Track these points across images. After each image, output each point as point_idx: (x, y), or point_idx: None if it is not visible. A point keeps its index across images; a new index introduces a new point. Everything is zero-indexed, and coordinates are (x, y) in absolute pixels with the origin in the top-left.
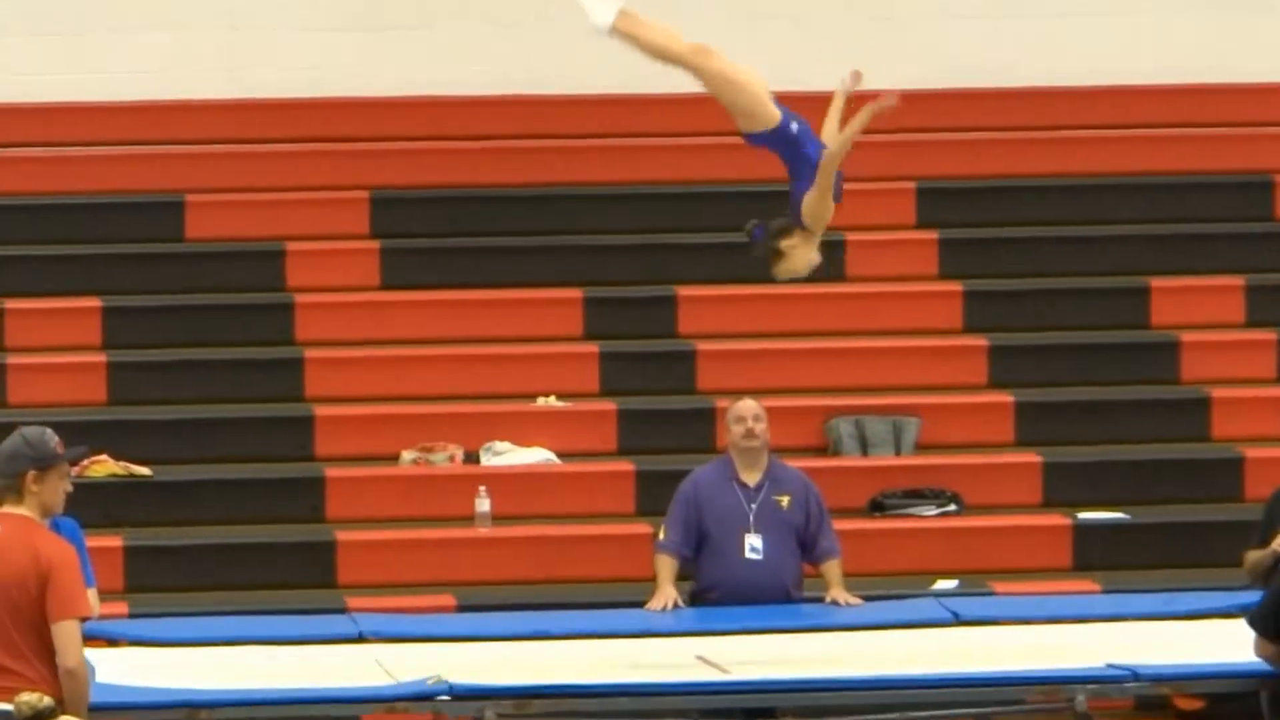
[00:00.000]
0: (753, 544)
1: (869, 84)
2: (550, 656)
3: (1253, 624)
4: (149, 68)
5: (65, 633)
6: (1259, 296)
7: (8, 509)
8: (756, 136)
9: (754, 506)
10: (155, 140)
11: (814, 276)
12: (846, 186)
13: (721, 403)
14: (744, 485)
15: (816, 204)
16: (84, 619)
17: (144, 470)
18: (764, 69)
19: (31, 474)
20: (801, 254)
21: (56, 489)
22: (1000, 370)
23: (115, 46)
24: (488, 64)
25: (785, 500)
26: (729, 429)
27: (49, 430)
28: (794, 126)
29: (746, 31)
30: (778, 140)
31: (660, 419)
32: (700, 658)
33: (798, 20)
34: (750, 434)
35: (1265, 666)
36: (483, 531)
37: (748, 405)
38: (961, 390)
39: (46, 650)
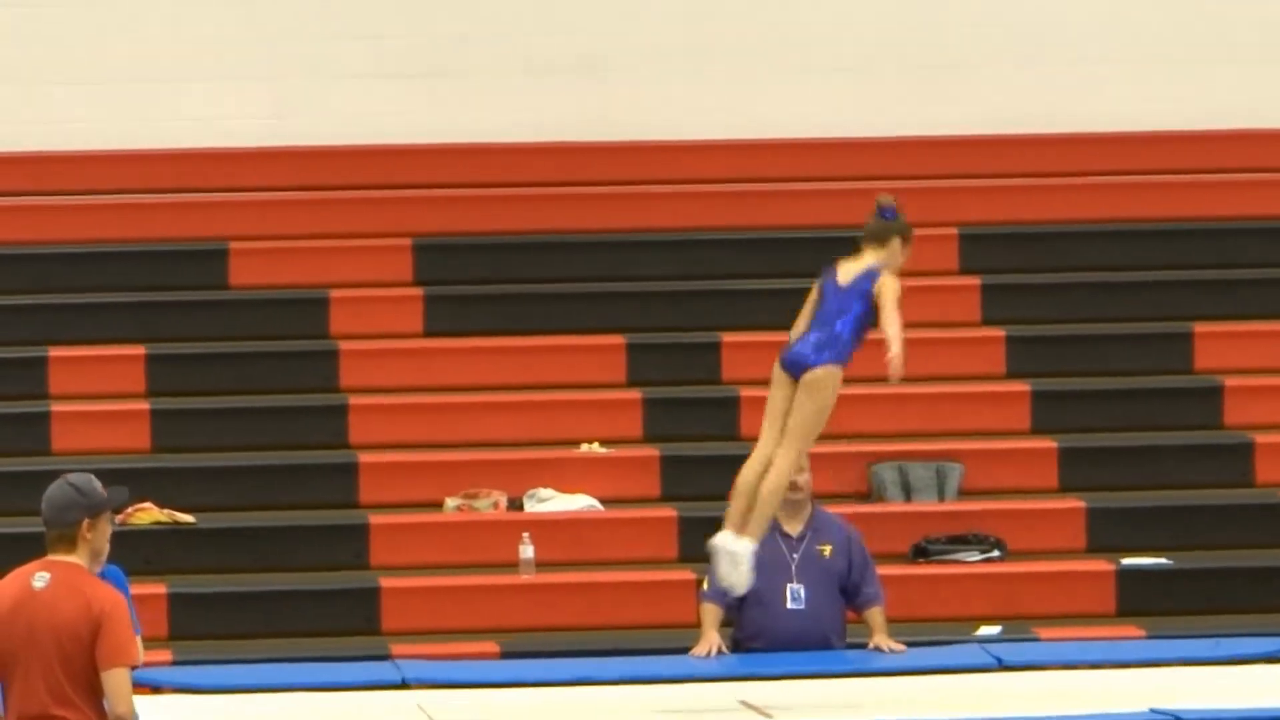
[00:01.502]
0: (795, 593)
1: (913, 130)
2: (594, 702)
3: None
4: (193, 115)
5: (116, 680)
6: None
7: (58, 557)
8: None
9: (796, 556)
10: (199, 188)
11: None
12: None
13: None
14: (786, 535)
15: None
16: (134, 667)
17: (188, 518)
18: (807, 118)
19: (85, 522)
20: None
21: (106, 534)
22: (1043, 416)
23: (160, 94)
24: (530, 111)
25: (828, 549)
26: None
27: (93, 475)
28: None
29: (792, 81)
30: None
31: (703, 465)
32: (744, 702)
33: (842, 69)
34: (795, 487)
35: None
36: (526, 578)
37: None
38: (1004, 436)
39: (96, 698)
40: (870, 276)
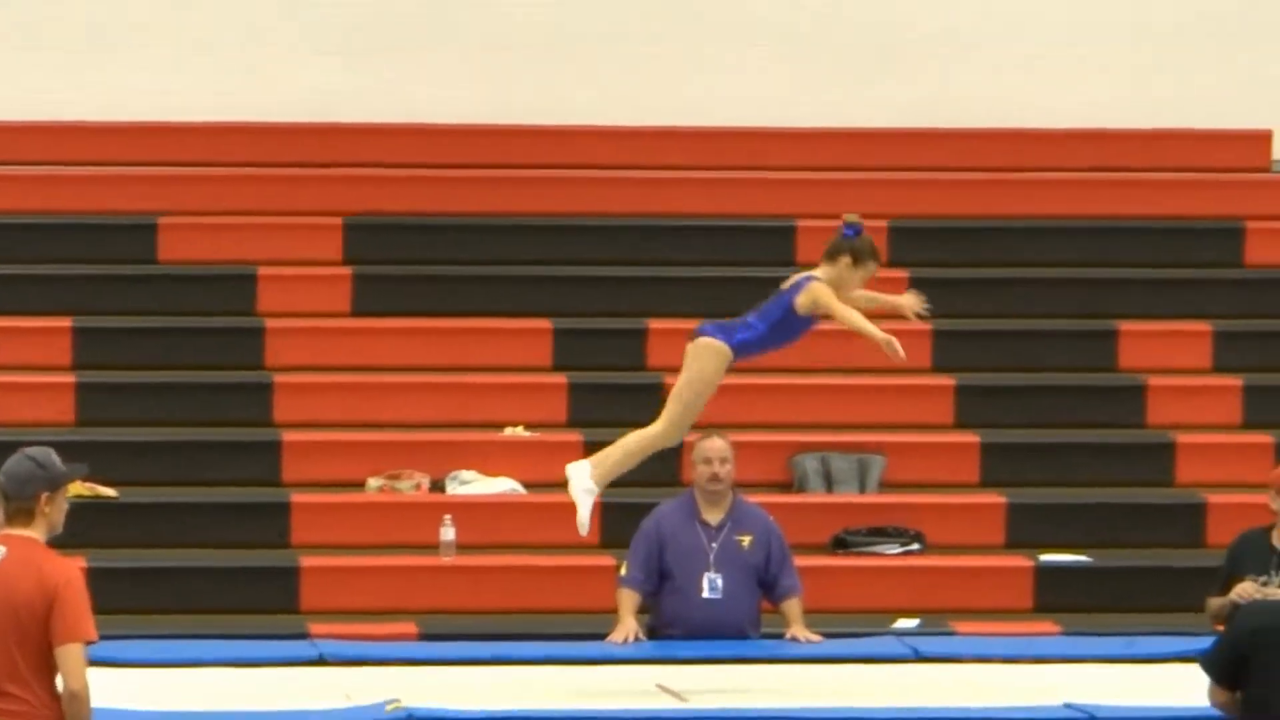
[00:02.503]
0: (712, 583)
1: (844, 122)
2: (510, 683)
3: (1207, 670)
4: (125, 90)
5: (69, 656)
6: (1226, 342)
7: (14, 531)
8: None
9: (715, 546)
10: (130, 161)
11: None
12: (817, 223)
13: (689, 437)
14: (706, 524)
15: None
16: (89, 642)
17: (111, 492)
18: (740, 107)
19: (44, 495)
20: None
21: (62, 508)
22: (966, 410)
23: (92, 68)
24: (462, 93)
25: (747, 540)
26: (695, 467)
27: (51, 449)
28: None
29: (726, 69)
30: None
31: None
32: (660, 686)
33: (776, 59)
34: (715, 478)
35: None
36: (447, 560)
37: (714, 446)
38: (927, 429)
39: (48, 675)
40: (798, 286)
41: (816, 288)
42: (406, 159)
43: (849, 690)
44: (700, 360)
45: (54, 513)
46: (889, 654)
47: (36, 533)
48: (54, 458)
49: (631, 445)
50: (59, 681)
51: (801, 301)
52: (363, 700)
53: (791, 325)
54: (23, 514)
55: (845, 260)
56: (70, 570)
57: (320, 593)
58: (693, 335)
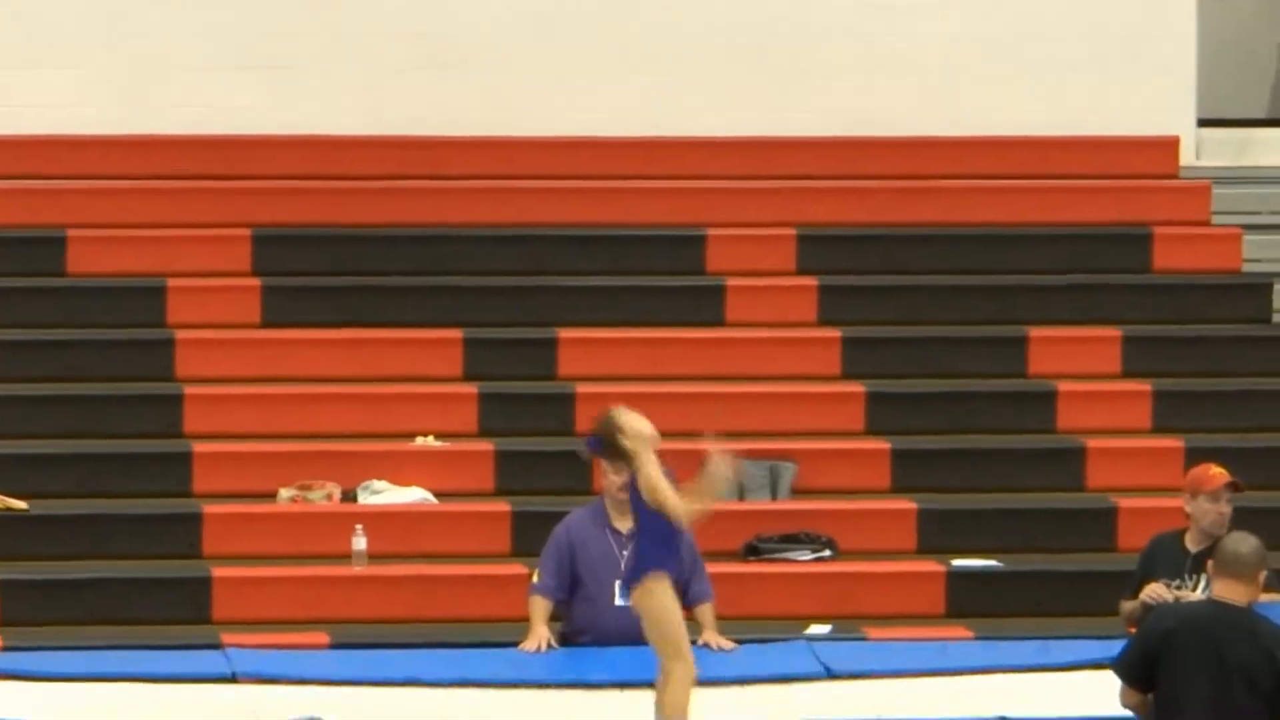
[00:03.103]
0: (624, 590)
1: (754, 130)
2: (426, 704)
3: (1118, 673)
4: (32, 103)
5: None
6: (1136, 347)
7: None
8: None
9: (626, 553)
10: (38, 175)
11: (694, 320)
12: (727, 232)
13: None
14: (616, 532)
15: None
16: None
17: (20, 504)
18: (649, 116)
19: None
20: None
21: None
22: (877, 417)
23: (1, 81)
24: (370, 105)
25: None
26: (604, 475)
27: None
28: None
29: (635, 79)
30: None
31: (538, 460)
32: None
33: (686, 69)
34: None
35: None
36: (359, 570)
37: None
38: (838, 436)
39: None
40: (631, 486)
41: (646, 474)
42: (313, 171)
43: (764, 703)
44: (652, 599)
45: None
46: (801, 671)
47: None
48: None
49: (681, 701)
50: None
51: (646, 499)
52: (280, 709)
53: (656, 524)
54: None
55: (616, 450)
56: None
57: (232, 603)
58: (629, 587)
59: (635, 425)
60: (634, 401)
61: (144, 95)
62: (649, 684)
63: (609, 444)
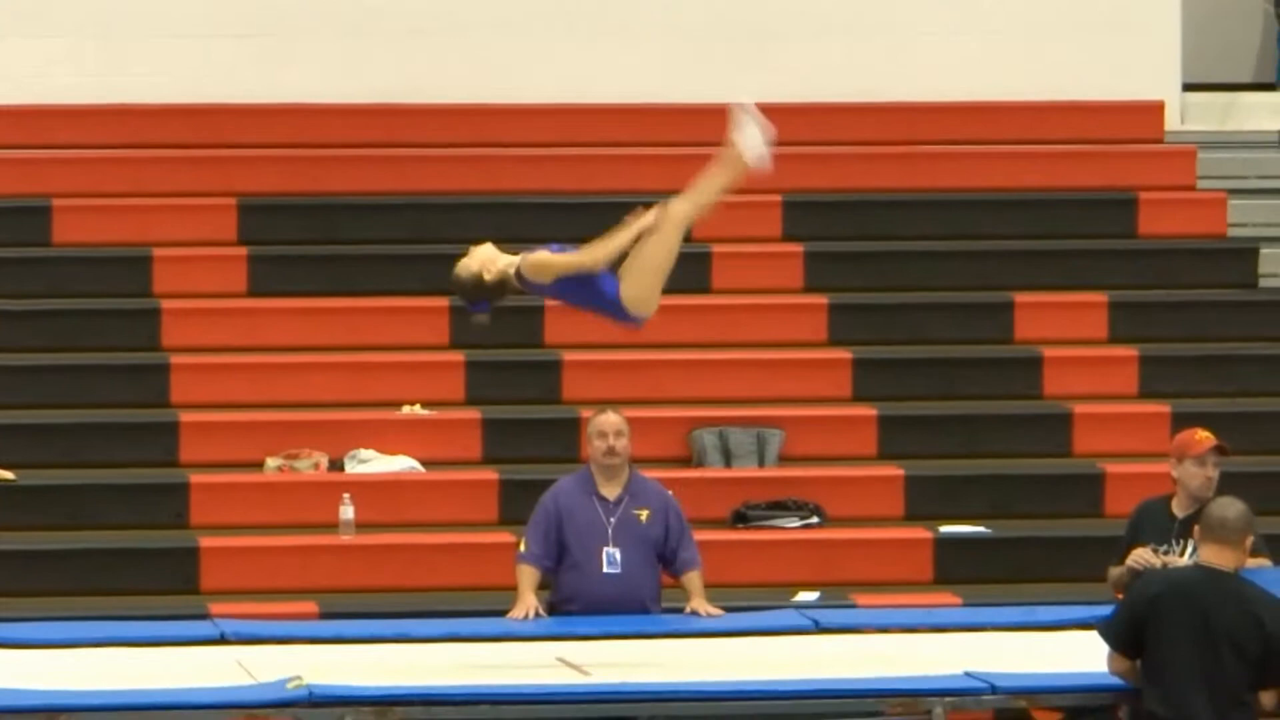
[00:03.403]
0: (611, 557)
1: (741, 95)
2: (411, 661)
3: (1105, 638)
4: (16, 73)
5: None
6: (1122, 313)
7: None
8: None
9: (613, 520)
10: (23, 145)
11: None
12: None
13: (586, 413)
14: (603, 499)
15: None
16: None
17: (7, 474)
18: (632, 84)
19: None
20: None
21: None
22: (864, 383)
23: None
24: (355, 73)
25: (644, 514)
26: (590, 442)
27: None
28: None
29: (622, 46)
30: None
31: (524, 428)
32: (561, 660)
33: (672, 35)
34: (611, 451)
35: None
36: (346, 539)
37: (609, 420)
38: (825, 403)
39: None
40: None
41: (530, 269)
42: (299, 139)
43: (750, 663)
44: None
45: None
46: (790, 626)
47: None
48: None
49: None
50: None
51: (544, 280)
52: (263, 678)
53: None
54: None
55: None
56: None
57: (220, 573)
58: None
59: (480, 257)
60: (620, 369)
61: (128, 64)
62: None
63: (483, 289)
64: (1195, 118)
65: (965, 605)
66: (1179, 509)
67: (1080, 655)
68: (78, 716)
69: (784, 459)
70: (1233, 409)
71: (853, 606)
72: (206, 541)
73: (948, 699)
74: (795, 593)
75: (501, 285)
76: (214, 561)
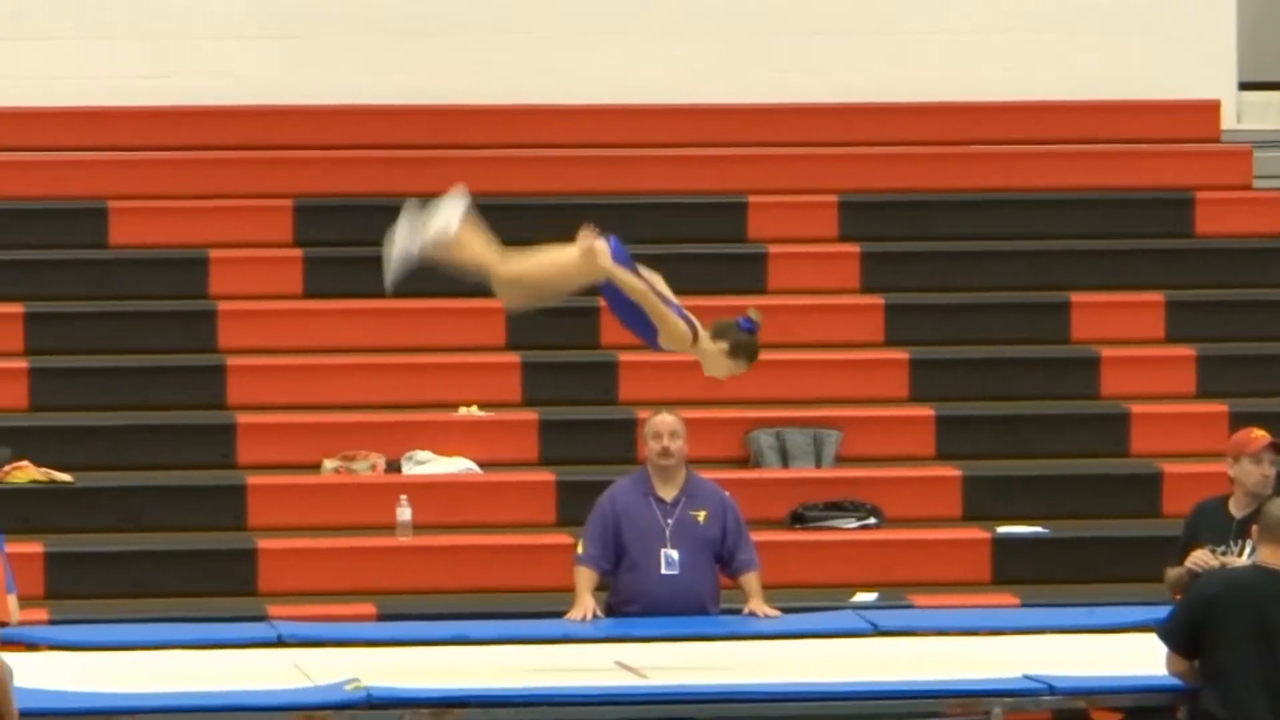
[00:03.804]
0: (669, 558)
1: (795, 97)
2: (469, 663)
3: (1164, 639)
4: (74, 74)
5: None
6: (1178, 312)
7: None
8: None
9: (670, 521)
10: (80, 147)
11: (736, 288)
12: (767, 199)
13: (643, 414)
14: (661, 500)
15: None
16: (4, 624)
17: (65, 476)
18: (684, 84)
19: None
20: (717, 361)
21: None
22: (921, 384)
23: (42, 53)
24: (412, 73)
25: (702, 515)
26: (646, 443)
27: None
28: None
29: (669, 46)
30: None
31: (581, 429)
32: (619, 663)
33: (721, 35)
34: (666, 452)
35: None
36: (403, 540)
37: (664, 421)
38: (882, 403)
39: None
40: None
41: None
42: (354, 140)
43: (808, 666)
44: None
45: None
46: (848, 629)
47: None
48: None
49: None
50: None
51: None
52: (321, 680)
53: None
54: None
55: (723, 345)
56: None
57: (277, 575)
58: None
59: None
60: (677, 369)
61: (184, 66)
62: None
63: (734, 340)
64: (1252, 117)
65: (1023, 606)
66: (1236, 509)
67: (1139, 656)
68: (135, 718)
69: (841, 459)
70: None
71: (911, 607)
72: (264, 543)
73: (1006, 700)
74: (853, 594)
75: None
76: (272, 563)
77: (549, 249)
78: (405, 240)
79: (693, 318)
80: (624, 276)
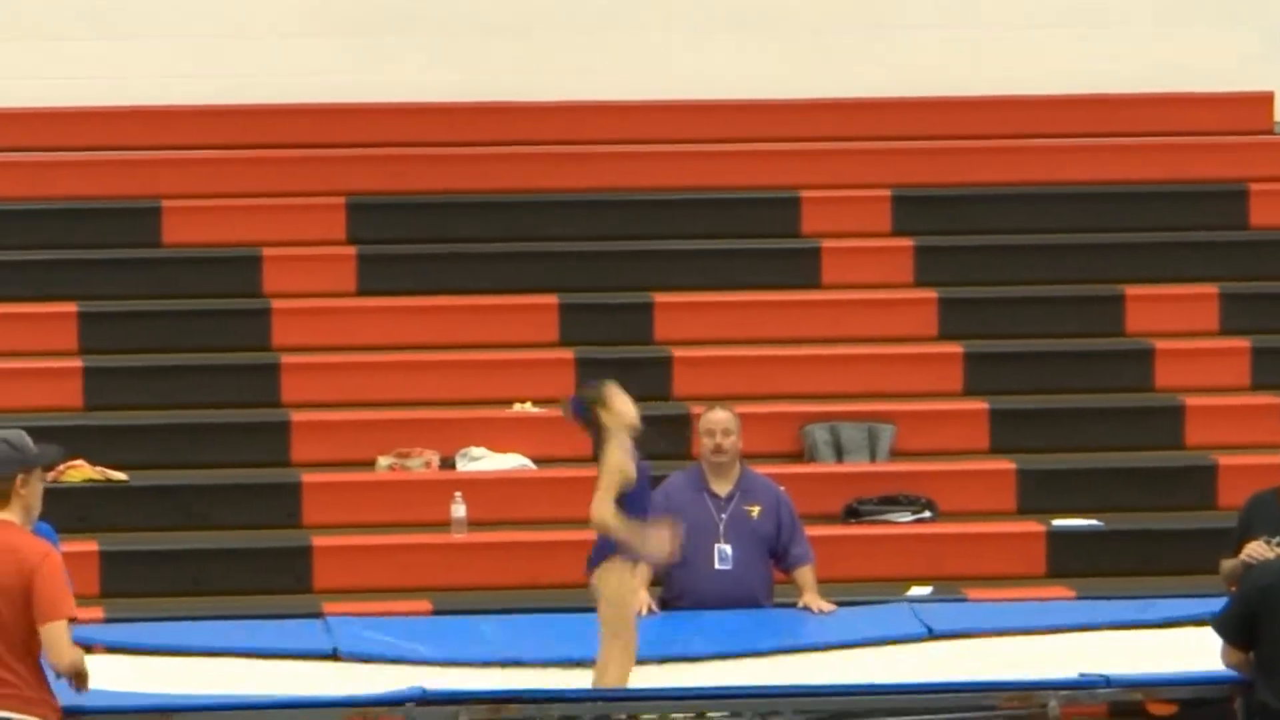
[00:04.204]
0: (723, 553)
1: (847, 92)
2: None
3: (1219, 631)
4: (127, 73)
5: (53, 634)
6: (1233, 304)
7: None
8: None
9: (724, 516)
10: (133, 146)
11: (790, 283)
12: (821, 194)
13: (697, 409)
14: (714, 495)
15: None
16: (72, 620)
17: (120, 475)
18: (741, 79)
19: (20, 478)
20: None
21: (38, 490)
22: (975, 377)
23: (94, 52)
24: (464, 71)
25: (756, 510)
26: (700, 439)
27: (24, 431)
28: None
29: (726, 42)
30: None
31: None
32: (672, 656)
33: (775, 30)
34: (719, 449)
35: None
36: (458, 537)
37: (717, 418)
38: (936, 397)
39: (31, 658)
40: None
41: (603, 461)
42: (407, 138)
43: (864, 665)
44: (608, 582)
45: (30, 495)
46: (902, 631)
47: (13, 515)
48: (27, 440)
49: (618, 679)
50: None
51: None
52: (376, 679)
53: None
54: None
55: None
56: (44, 548)
57: (332, 572)
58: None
59: (621, 407)
60: (730, 364)
61: (236, 64)
62: (750, 653)
63: (589, 413)
64: None
65: (1078, 599)
66: None
67: (1194, 648)
68: (190, 716)
69: (896, 453)
70: None
71: (965, 601)
72: (319, 540)
73: (1062, 692)
74: (907, 588)
75: (598, 433)
76: (326, 560)
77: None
78: None
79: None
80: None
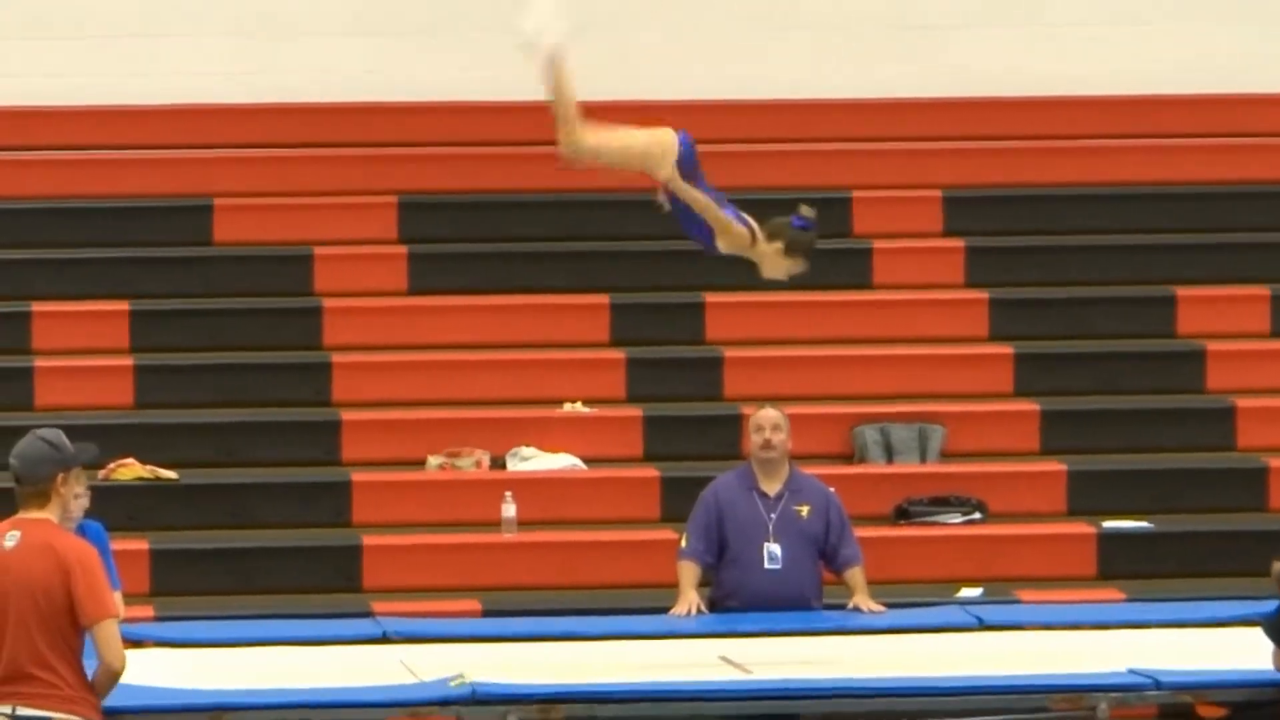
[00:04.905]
0: (772, 553)
1: (897, 92)
2: (574, 658)
3: (1269, 633)
4: (179, 71)
5: (103, 634)
6: None
7: (30, 514)
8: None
9: (773, 516)
10: (184, 144)
11: (841, 283)
12: (872, 194)
13: (747, 409)
14: (764, 495)
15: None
16: (117, 618)
17: (170, 474)
18: (790, 79)
19: (59, 477)
20: (775, 262)
21: (75, 490)
22: (1026, 378)
23: (145, 50)
24: (516, 69)
25: (805, 510)
26: (749, 438)
27: (61, 431)
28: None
29: (775, 41)
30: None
31: (686, 425)
32: (724, 658)
33: (825, 29)
34: (768, 445)
35: None
36: (508, 537)
37: (767, 415)
38: (987, 398)
39: (74, 657)
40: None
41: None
42: (459, 137)
43: (912, 661)
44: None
45: (68, 494)
46: (953, 623)
47: (51, 515)
48: (64, 439)
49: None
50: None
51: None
52: (426, 676)
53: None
54: (37, 497)
55: (778, 245)
56: (83, 547)
57: (382, 571)
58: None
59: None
60: (781, 365)
61: (289, 63)
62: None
63: (789, 238)
64: None
65: (1129, 601)
66: None
67: (1245, 650)
68: (241, 715)
69: (946, 455)
70: None
71: (1016, 602)
72: (369, 540)
73: (1112, 694)
74: (958, 589)
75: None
76: (376, 560)
77: (629, 129)
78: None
79: (750, 220)
80: (681, 186)
